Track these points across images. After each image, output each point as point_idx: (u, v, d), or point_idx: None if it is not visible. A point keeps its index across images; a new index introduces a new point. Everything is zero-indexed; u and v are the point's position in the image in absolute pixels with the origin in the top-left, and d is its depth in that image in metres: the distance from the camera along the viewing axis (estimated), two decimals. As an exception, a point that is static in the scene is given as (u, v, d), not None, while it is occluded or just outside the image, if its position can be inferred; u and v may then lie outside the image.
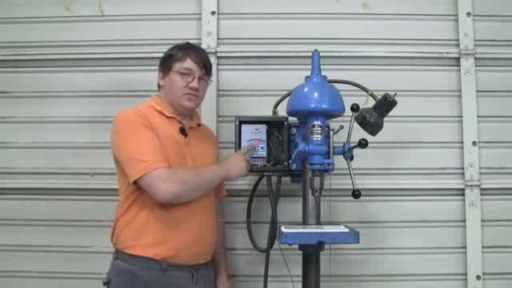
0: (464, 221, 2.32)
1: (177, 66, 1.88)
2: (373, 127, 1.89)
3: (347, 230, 1.77)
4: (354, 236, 1.72)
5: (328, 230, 1.79)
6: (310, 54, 1.95)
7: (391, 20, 2.42)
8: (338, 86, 1.93)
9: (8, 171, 2.38)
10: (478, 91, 2.36)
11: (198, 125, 2.03)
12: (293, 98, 1.90)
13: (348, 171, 1.87)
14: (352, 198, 1.83)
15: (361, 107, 1.89)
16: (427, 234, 2.33)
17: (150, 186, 1.71)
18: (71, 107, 2.39)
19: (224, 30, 2.41)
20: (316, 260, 1.87)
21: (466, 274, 2.30)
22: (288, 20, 2.42)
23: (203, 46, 2.26)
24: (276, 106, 2.13)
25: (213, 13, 2.39)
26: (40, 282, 2.32)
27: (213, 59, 2.25)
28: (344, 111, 1.89)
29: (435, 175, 2.36)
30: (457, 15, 2.40)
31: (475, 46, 2.37)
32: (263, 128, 2.04)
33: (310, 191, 1.88)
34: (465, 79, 2.36)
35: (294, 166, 1.97)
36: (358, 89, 2.00)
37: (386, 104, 1.88)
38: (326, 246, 1.88)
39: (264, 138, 2.03)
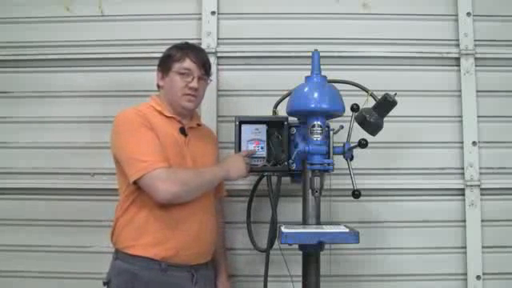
0: (464, 221, 2.32)
1: (176, 67, 1.88)
2: (373, 127, 1.89)
3: (347, 230, 1.77)
4: (354, 236, 1.72)
5: (328, 230, 1.79)
6: (309, 54, 1.95)
7: (391, 20, 2.42)
8: (338, 86, 1.93)
9: (8, 171, 2.38)
10: (477, 91, 2.36)
11: (198, 125, 2.02)
12: (293, 98, 1.90)
13: (348, 171, 1.87)
14: (352, 198, 1.83)
15: (361, 107, 1.88)
16: (427, 234, 2.33)
17: (149, 186, 1.71)
18: (71, 107, 2.39)
19: (224, 30, 2.41)
20: (316, 260, 1.86)
21: (466, 274, 2.30)
22: (288, 20, 2.42)
23: (203, 46, 2.27)
24: (276, 106, 2.12)
25: (213, 13, 2.39)
26: (40, 282, 2.32)
27: (213, 59, 2.25)
28: (344, 111, 1.89)
29: (435, 175, 2.36)
30: (457, 15, 2.40)
31: (475, 46, 2.37)
32: (263, 128, 2.03)
33: (309, 191, 1.88)
34: (465, 79, 2.36)
35: (293, 166, 1.97)
36: (357, 89, 2.00)
37: (386, 104, 1.88)
38: (326, 246, 1.87)
39: (264, 138, 2.03)
